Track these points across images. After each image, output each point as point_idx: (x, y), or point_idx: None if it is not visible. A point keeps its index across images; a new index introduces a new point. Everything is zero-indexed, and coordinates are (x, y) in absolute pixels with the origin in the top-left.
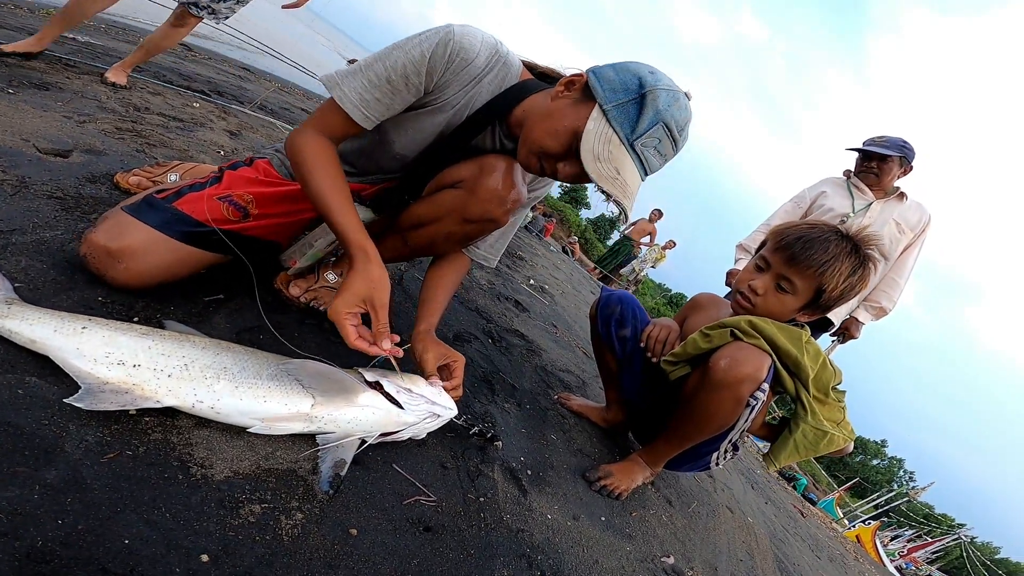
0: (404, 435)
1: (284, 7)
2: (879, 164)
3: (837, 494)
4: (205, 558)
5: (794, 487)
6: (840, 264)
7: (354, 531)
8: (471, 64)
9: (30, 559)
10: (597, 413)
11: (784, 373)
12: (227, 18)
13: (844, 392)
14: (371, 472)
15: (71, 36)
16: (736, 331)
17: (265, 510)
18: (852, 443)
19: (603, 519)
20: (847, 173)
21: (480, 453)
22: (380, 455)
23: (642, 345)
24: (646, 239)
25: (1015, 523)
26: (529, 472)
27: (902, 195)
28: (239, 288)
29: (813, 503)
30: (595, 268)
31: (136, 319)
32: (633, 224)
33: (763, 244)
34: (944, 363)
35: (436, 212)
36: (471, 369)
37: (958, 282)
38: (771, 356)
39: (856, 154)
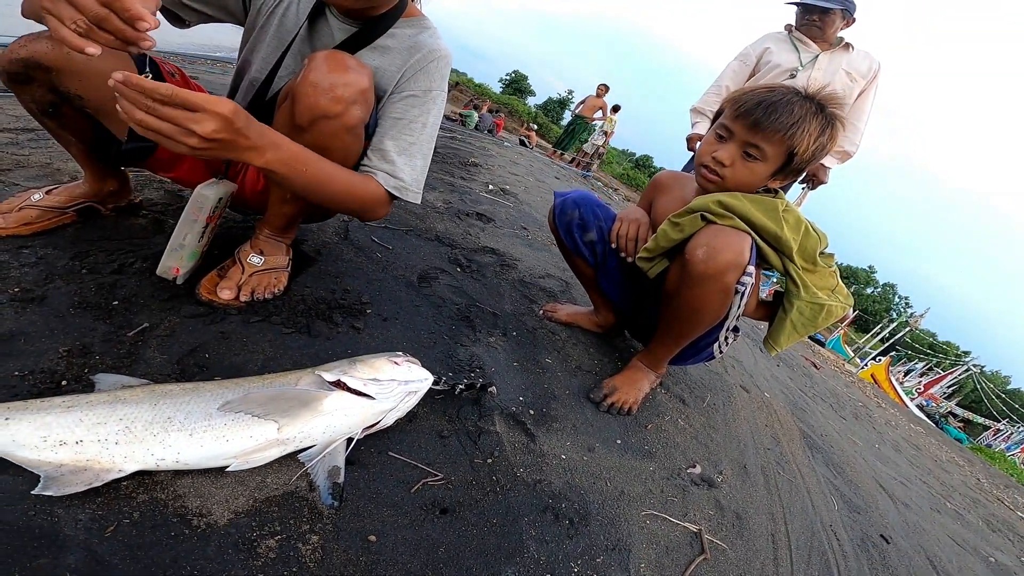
0: (389, 420)
1: None
2: (821, 17)
3: (842, 331)
4: None
5: None
6: (808, 125)
7: (373, 537)
8: None
9: None
10: (587, 319)
11: (767, 249)
12: None
13: (832, 256)
14: (369, 468)
15: None
16: (707, 215)
17: (280, 542)
18: (851, 310)
19: (619, 442)
20: (788, 27)
21: (476, 408)
22: (373, 446)
23: (613, 246)
24: (598, 114)
25: (1018, 347)
26: (531, 412)
27: (847, 45)
28: (160, 309)
29: (821, 344)
30: (555, 152)
31: (64, 382)
32: (582, 103)
33: (720, 112)
34: (907, 184)
35: None
36: (444, 310)
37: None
38: (750, 235)
39: (795, 8)
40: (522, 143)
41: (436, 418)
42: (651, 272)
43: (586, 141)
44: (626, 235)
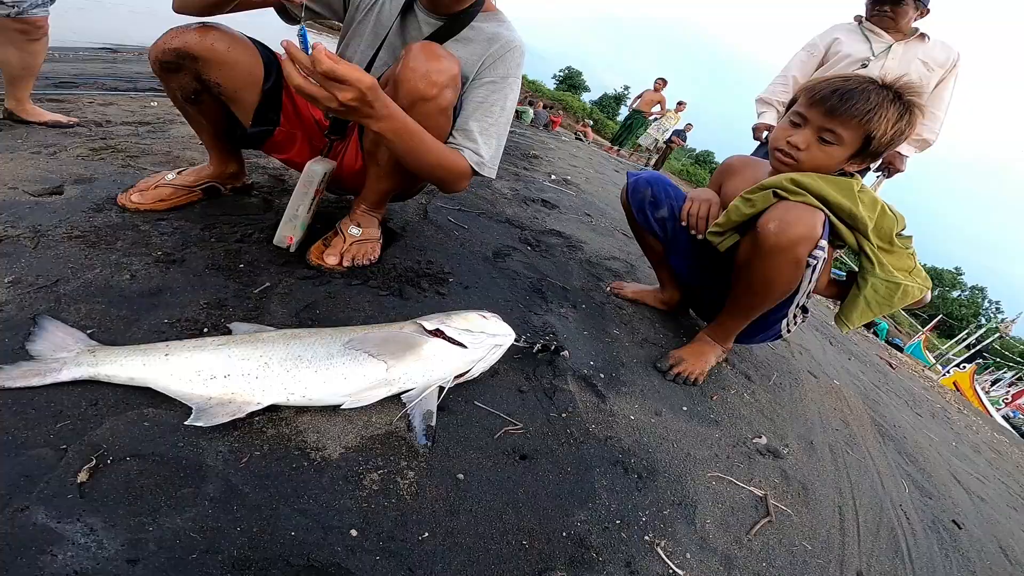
0: (475, 372)
1: None
2: (892, 8)
3: (923, 336)
4: (355, 533)
5: (875, 334)
6: (885, 111)
7: (461, 476)
8: None
9: (236, 568)
10: (653, 296)
11: (842, 226)
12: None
13: (911, 238)
14: (457, 415)
15: None
16: (779, 191)
17: (382, 476)
18: (929, 292)
19: (685, 409)
20: (858, 18)
21: (551, 368)
22: (461, 396)
23: (684, 224)
24: (656, 108)
25: None
26: (602, 375)
27: (923, 35)
28: (278, 272)
29: (900, 349)
30: (611, 147)
31: (205, 329)
32: (639, 97)
33: (793, 101)
34: (997, 182)
35: None
36: (518, 282)
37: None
38: (823, 211)
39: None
40: (578, 138)
41: (515, 375)
42: (722, 246)
43: (643, 135)
44: (696, 213)
